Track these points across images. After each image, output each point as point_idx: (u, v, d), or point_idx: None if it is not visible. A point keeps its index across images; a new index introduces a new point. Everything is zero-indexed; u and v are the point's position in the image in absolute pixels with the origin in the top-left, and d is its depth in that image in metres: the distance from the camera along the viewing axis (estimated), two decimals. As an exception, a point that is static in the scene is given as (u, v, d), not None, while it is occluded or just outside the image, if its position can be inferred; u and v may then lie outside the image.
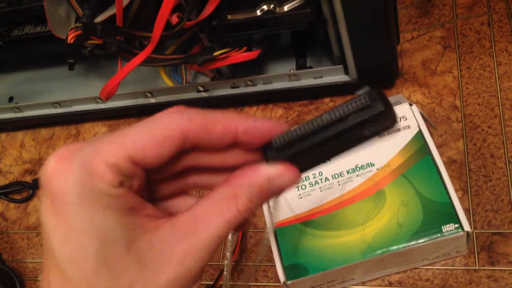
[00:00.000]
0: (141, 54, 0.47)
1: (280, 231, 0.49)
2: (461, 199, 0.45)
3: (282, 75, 0.60)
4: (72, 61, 0.44)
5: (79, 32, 0.43)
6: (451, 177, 0.47)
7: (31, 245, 0.65)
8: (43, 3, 0.55)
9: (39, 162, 0.71)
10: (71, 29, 0.43)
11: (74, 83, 0.72)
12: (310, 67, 0.61)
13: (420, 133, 0.49)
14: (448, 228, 0.45)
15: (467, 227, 0.44)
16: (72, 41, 0.43)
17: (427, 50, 0.61)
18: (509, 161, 0.51)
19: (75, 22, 0.53)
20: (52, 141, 0.73)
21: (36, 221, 0.67)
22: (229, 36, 0.55)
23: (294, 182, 0.25)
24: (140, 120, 0.69)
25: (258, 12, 0.53)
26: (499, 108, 0.55)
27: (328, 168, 0.50)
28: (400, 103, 0.52)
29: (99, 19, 0.53)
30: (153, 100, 0.65)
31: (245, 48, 0.55)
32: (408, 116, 0.51)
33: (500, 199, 0.50)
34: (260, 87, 0.62)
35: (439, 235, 0.44)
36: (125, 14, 0.50)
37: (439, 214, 0.45)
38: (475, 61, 0.58)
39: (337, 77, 0.59)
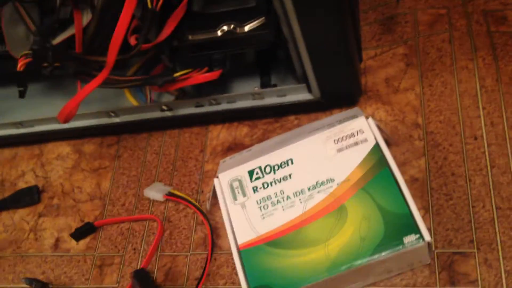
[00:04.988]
0: (96, 78, 0.47)
1: (245, 253, 0.48)
2: (423, 218, 0.46)
3: (245, 94, 0.59)
4: (22, 89, 0.43)
5: (29, 59, 0.42)
6: (413, 196, 0.47)
7: None
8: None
9: (2, 183, 0.70)
10: (21, 56, 0.42)
11: (37, 101, 0.70)
12: (275, 85, 0.60)
13: (377, 146, 0.50)
14: (410, 239, 0.45)
15: (427, 237, 0.44)
16: (22, 69, 0.42)
17: (390, 67, 0.61)
18: (469, 179, 0.52)
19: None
20: (15, 162, 0.71)
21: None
22: (190, 56, 0.55)
23: None
24: (104, 139, 0.67)
25: (219, 33, 0.53)
26: (460, 126, 0.55)
27: (289, 186, 0.50)
28: (357, 117, 0.52)
29: (58, 39, 0.52)
30: (117, 120, 0.64)
31: (206, 68, 0.54)
32: (365, 129, 0.51)
33: (460, 218, 0.50)
34: (224, 106, 0.61)
35: (401, 247, 0.45)
36: (84, 36, 0.49)
37: (400, 225, 0.46)
38: (436, 78, 0.58)
39: (301, 95, 0.59)
